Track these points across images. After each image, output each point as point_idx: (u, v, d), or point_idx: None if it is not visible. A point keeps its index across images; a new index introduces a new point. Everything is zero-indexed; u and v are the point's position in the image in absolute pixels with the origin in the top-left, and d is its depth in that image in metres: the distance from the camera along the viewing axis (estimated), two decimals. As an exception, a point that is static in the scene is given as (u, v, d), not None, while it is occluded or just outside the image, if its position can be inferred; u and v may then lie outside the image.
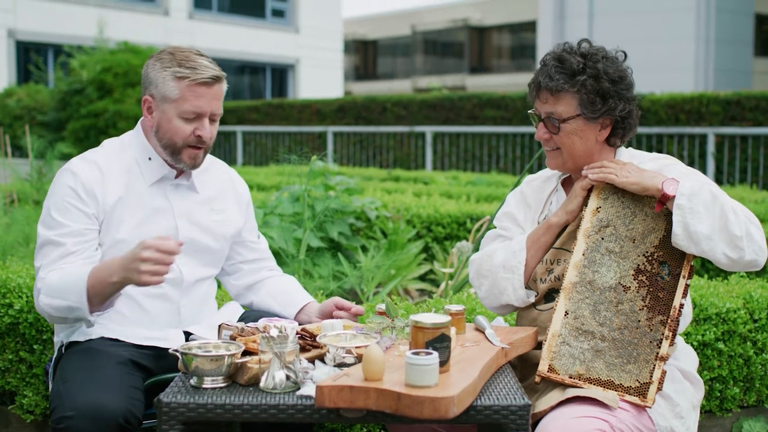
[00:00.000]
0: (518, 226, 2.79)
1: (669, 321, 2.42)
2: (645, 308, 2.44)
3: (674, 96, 12.95)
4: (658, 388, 2.37)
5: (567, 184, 2.78)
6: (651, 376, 2.38)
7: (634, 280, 2.47)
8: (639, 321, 2.43)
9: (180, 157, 2.70)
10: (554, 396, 2.35)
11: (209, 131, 2.69)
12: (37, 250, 2.63)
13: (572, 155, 2.61)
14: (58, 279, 2.51)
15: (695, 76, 22.52)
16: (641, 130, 12.34)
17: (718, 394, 3.47)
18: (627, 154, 2.68)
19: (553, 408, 2.31)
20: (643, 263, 2.49)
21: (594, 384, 2.38)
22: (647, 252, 2.49)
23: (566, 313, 2.47)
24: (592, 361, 2.41)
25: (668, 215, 2.49)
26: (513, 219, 2.81)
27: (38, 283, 2.56)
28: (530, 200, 2.80)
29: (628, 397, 2.36)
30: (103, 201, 2.64)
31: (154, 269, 2.34)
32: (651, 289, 2.46)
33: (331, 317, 2.77)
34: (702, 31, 22.47)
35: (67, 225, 2.59)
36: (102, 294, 2.47)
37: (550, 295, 2.63)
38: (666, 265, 2.48)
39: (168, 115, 2.66)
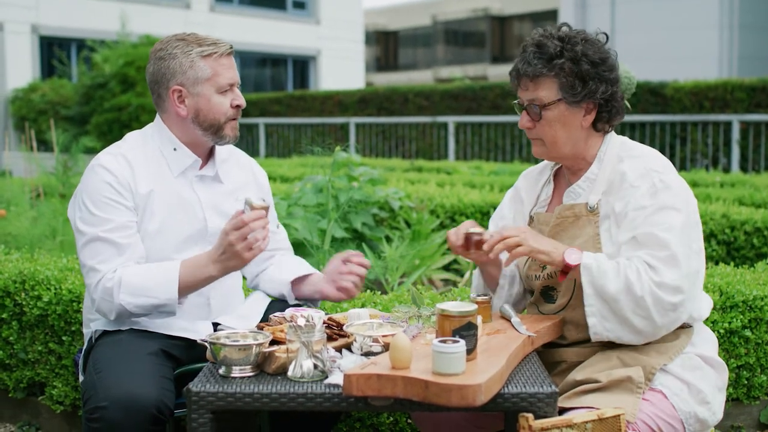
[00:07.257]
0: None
1: None
2: None
3: (698, 83, 12.86)
4: None
5: (558, 176, 2.72)
6: None
7: None
8: None
9: (224, 133, 2.74)
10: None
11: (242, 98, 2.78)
12: (81, 246, 2.62)
13: (555, 144, 2.54)
14: (140, 278, 2.56)
15: (719, 63, 22.29)
16: (665, 117, 12.26)
17: (746, 382, 3.45)
18: (618, 141, 2.60)
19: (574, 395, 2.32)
20: None
21: None
22: None
23: None
24: None
25: None
26: (502, 219, 2.81)
27: (105, 282, 2.56)
28: (524, 195, 2.78)
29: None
30: (137, 193, 2.66)
31: (248, 244, 2.51)
32: None
33: (339, 274, 2.81)
34: (725, 18, 22.23)
35: (111, 220, 2.60)
36: (195, 288, 2.63)
37: (548, 293, 2.61)
38: None
39: (206, 96, 2.69)
